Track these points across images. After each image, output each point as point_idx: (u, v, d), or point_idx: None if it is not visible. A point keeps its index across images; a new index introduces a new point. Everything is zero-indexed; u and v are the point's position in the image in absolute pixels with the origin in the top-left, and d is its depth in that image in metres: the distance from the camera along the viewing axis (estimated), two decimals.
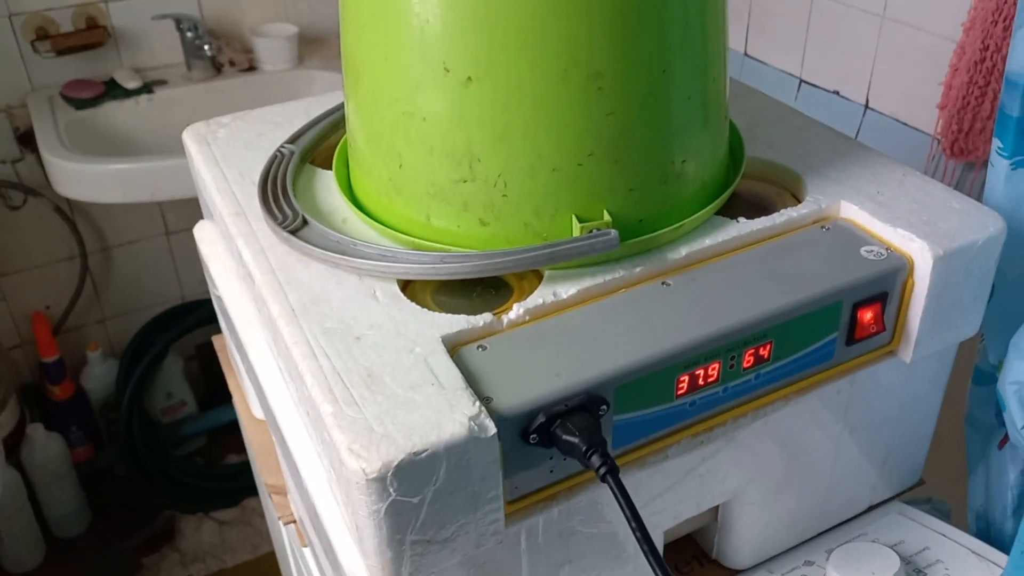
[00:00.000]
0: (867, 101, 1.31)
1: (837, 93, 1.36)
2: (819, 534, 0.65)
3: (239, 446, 1.79)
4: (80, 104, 1.42)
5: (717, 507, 0.60)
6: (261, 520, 1.69)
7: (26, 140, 1.47)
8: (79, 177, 1.31)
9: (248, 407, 0.78)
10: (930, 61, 1.19)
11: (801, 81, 1.44)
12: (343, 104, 0.67)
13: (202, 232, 0.73)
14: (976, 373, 0.68)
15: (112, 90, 1.46)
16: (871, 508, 0.67)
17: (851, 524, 0.66)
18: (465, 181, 0.52)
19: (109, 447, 1.72)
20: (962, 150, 1.17)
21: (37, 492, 1.59)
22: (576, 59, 0.49)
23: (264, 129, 0.70)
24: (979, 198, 1.25)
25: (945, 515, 0.69)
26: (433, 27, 0.49)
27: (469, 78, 0.50)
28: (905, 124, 1.27)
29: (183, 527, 1.69)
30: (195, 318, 1.68)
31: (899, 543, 0.62)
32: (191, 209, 0.77)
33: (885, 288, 0.54)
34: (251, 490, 1.69)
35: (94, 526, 1.69)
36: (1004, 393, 0.58)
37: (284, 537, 0.83)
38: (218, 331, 0.85)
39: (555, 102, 0.50)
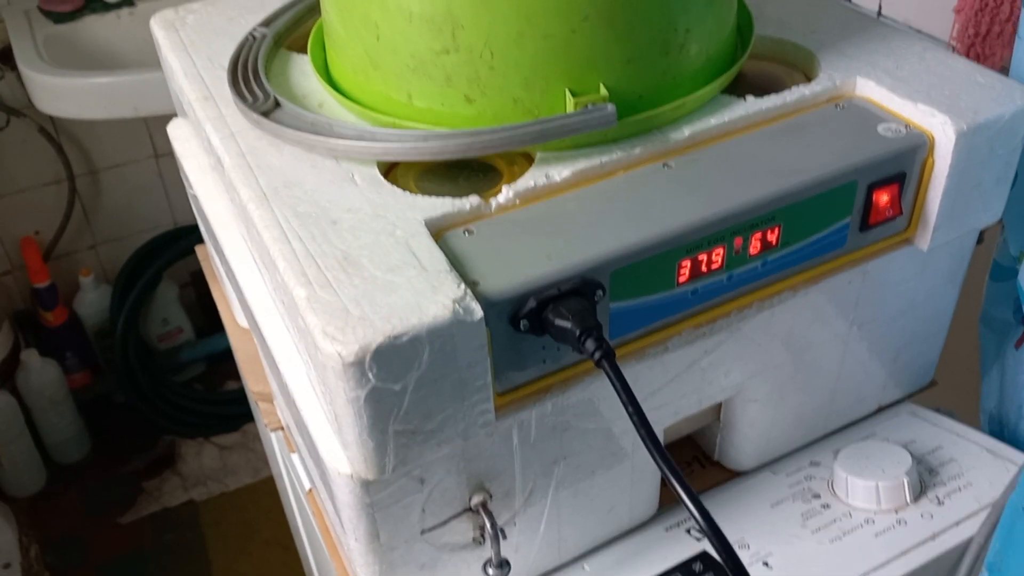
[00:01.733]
0: (880, 7, 1.26)
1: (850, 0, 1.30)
2: (826, 435, 0.62)
3: (238, 372, 1.78)
4: (59, 18, 1.36)
5: (719, 405, 0.58)
6: (262, 445, 1.69)
7: (5, 57, 1.41)
8: (61, 92, 1.26)
9: (233, 316, 0.75)
10: None
11: None
12: None
13: (176, 130, 0.69)
14: (994, 268, 0.65)
15: (92, 3, 1.39)
16: (880, 410, 0.64)
17: (860, 425, 0.63)
18: (447, 52, 0.48)
19: (106, 374, 1.71)
20: (979, 55, 1.12)
21: (35, 418, 1.58)
22: None
23: (235, 14, 0.65)
24: None
25: None
26: None
27: None
28: (919, 31, 1.21)
29: (184, 452, 1.69)
30: (188, 243, 1.64)
31: (910, 442, 0.59)
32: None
33: (903, 168, 0.50)
34: (251, 415, 1.68)
35: (94, 452, 1.68)
36: None
37: (275, 447, 0.81)
38: None
39: None
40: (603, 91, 0.49)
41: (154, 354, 1.71)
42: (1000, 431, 0.67)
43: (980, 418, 0.70)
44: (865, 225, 0.51)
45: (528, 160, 0.50)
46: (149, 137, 1.60)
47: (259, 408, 0.69)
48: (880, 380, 0.62)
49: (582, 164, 0.49)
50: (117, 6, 1.40)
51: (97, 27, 1.39)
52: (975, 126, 0.49)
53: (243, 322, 0.73)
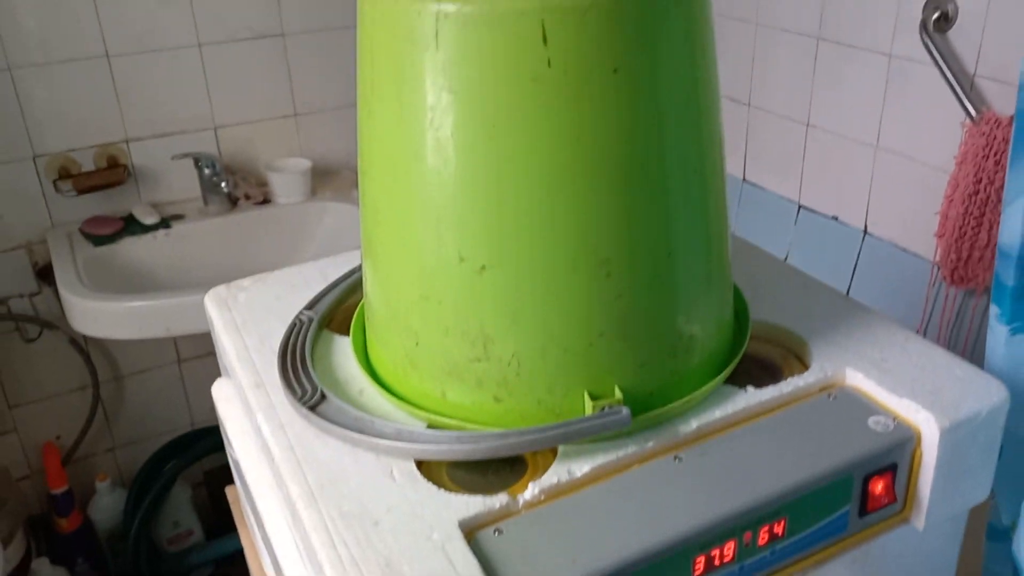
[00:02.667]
0: (865, 227, 1.34)
1: (835, 219, 1.39)
2: None
3: (246, 575, 1.76)
4: (99, 240, 1.46)
5: None
6: None
7: (44, 274, 1.50)
8: (95, 314, 1.33)
9: (260, 562, 0.78)
10: (926, 189, 1.23)
11: (800, 207, 1.47)
12: (358, 267, 0.70)
13: (220, 391, 0.75)
14: (990, 530, 0.68)
15: (130, 225, 1.50)
16: None
17: None
18: (479, 360, 0.54)
19: None
20: (962, 278, 1.19)
21: None
22: (585, 248, 0.51)
23: (282, 292, 0.72)
24: (981, 328, 1.26)
25: None
26: (448, 219, 0.52)
27: (483, 267, 0.52)
28: (904, 250, 1.29)
29: None
30: (205, 446, 1.67)
31: None
32: (204, 337, 0.78)
33: (894, 459, 0.55)
34: None
35: None
36: (1020, 557, 0.58)
37: None
38: (226, 458, 0.85)
39: (565, 288, 0.52)
40: (618, 393, 0.54)
41: (163, 557, 1.70)
42: None
43: None
44: (863, 511, 0.55)
45: (552, 451, 0.55)
46: (174, 345, 1.67)
47: None
48: None
49: (601, 459, 0.53)
50: (154, 228, 1.50)
51: (135, 248, 1.48)
52: (957, 422, 0.54)
53: (270, 573, 0.75)
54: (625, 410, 0.53)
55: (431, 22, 0.48)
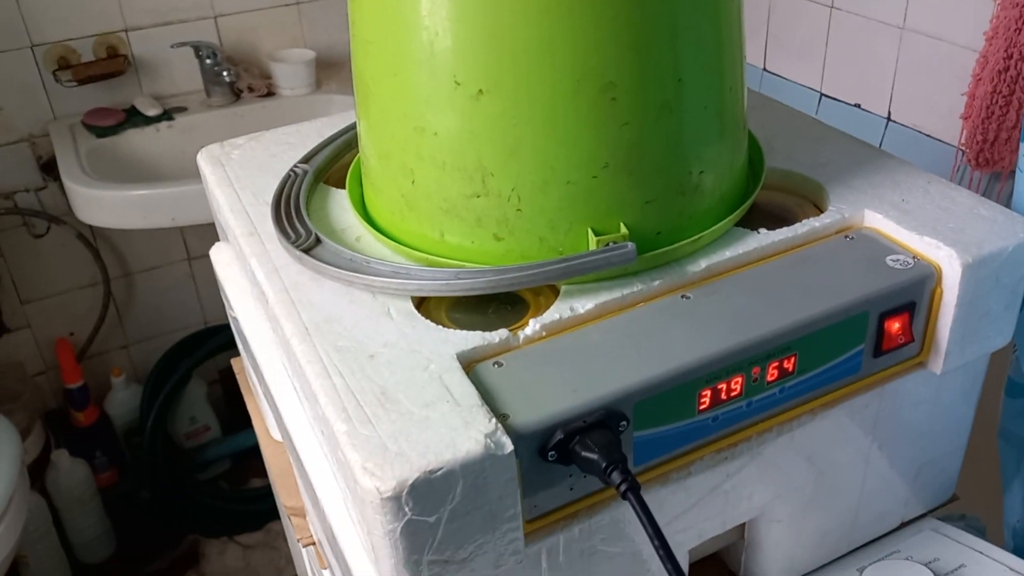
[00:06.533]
0: (889, 113, 1.30)
1: (858, 106, 1.34)
2: (850, 552, 0.63)
3: (263, 470, 1.79)
4: (101, 132, 1.44)
5: (743, 525, 0.59)
6: (285, 543, 1.68)
7: (49, 168, 1.49)
8: (101, 204, 1.32)
9: (267, 429, 0.78)
10: (952, 71, 1.18)
11: (821, 95, 1.42)
12: (355, 124, 0.67)
13: (218, 254, 0.73)
14: (1009, 385, 0.66)
15: (132, 117, 1.47)
16: (903, 525, 0.65)
17: (883, 541, 0.64)
18: (478, 196, 0.52)
19: (133, 472, 1.72)
20: (987, 160, 1.15)
21: (62, 517, 1.59)
22: (589, 70, 0.48)
23: (278, 150, 0.70)
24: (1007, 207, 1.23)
25: (980, 532, 0.67)
26: (443, 40, 0.49)
27: (480, 91, 0.49)
28: (928, 136, 1.25)
29: (207, 551, 1.69)
30: (217, 342, 1.68)
31: (934, 560, 0.60)
32: (212, 234, 0.77)
33: (913, 298, 0.53)
34: (275, 513, 1.68)
35: (119, 551, 1.69)
36: None
37: (305, 560, 0.82)
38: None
39: (568, 114, 0.49)
40: (623, 230, 0.52)
41: (180, 452, 1.73)
42: None
43: (1004, 531, 0.70)
44: (878, 351, 0.53)
45: (554, 291, 0.53)
46: (183, 241, 1.66)
47: (291, 522, 0.71)
48: (902, 497, 0.63)
49: (604, 297, 0.51)
50: (156, 120, 1.47)
51: (137, 140, 1.46)
52: (980, 258, 0.52)
53: (277, 435, 0.75)
54: (630, 245, 0.50)
55: None
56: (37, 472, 1.55)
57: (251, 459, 1.80)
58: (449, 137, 0.51)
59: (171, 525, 1.71)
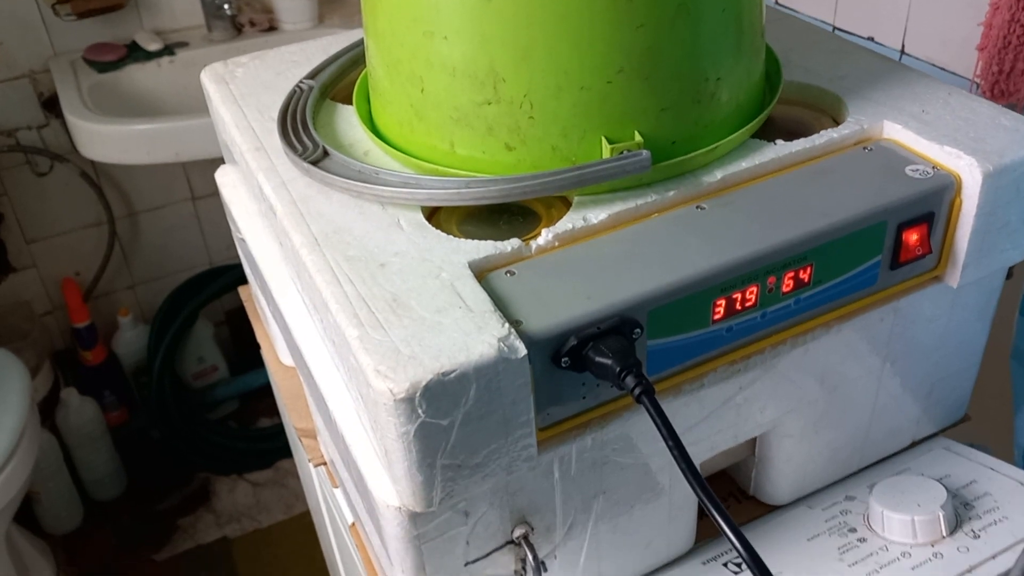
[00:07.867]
0: (903, 47, 1.27)
1: (871, 39, 1.32)
2: (861, 469, 0.63)
3: (271, 409, 1.80)
4: (102, 67, 1.42)
5: (755, 440, 0.59)
6: (295, 481, 1.70)
7: (50, 105, 1.47)
8: (104, 138, 1.31)
9: (276, 355, 0.78)
10: (967, 1, 1.15)
11: (834, 28, 1.40)
12: (363, 40, 0.66)
13: (224, 176, 0.72)
14: None
15: (134, 52, 1.45)
16: (914, 444, 0.65)
17: (894, 459, 0.64)
18: (489, 103, 0.51)
19: (142, 411, 1.74)
20: (1003, 92, 1.13)
21: (73, 455, 1.61)
22: None
23: (283, 68, 0.69)
24: None
25: None
26: None
27: None
28: (943, 69, 1.23)
29: (218, 488, 1.71)
30: (223, 282, 1.68)
31: (945, 476, 0.60)
32: (215, 168, 0.76)
33: (931, 208, 0.52)
34: (284, 451, 1.70)
35: (130, 488, 1.71)
36: None
37: (316, 483, 0.82)
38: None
39: (582, 14, 0.48)
40: (638, 138, 0.51)
41: (189, 391, 1.74)
42: None
43: (1014, 452, 0.70)
44: (895, 263, 0.53)
45: (566, 204, 0.52)
46: (187, 180, 1.65)
47: (302, 444, 0.71)
48: (914, 415, 0.63)
49: (618, 207, 0.51)
50: (158, 55, 1.45)
51: (139, 75, 1.44)
52: (1001, 167, 0.51)
53: (286, 360, 0.75)
54: (645, 153, 0.49)
55: None
56: (47, 411, 1.56)
57: (259, 399, 1.81)
58: (459, 41, 0.49)
59: (181, 463, 1.73)
